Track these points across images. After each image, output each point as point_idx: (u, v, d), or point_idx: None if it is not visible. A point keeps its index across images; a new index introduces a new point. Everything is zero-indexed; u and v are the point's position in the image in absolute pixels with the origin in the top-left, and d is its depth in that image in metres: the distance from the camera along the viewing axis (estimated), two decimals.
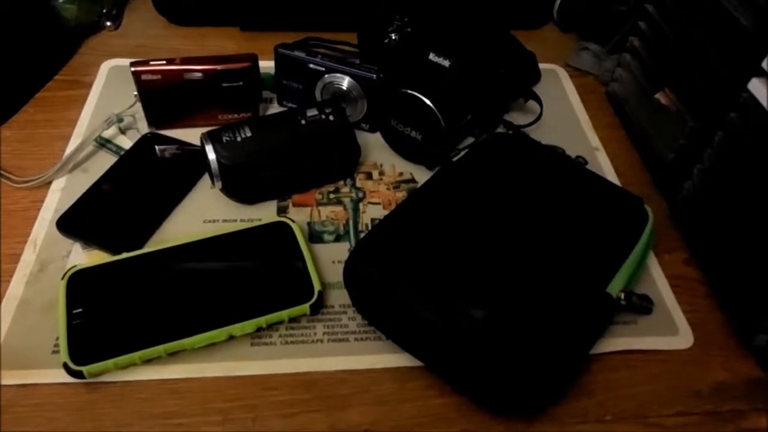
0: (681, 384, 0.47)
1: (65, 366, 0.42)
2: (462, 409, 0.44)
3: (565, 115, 0.68)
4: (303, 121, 0.54)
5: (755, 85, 0.47)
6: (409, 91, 0.55)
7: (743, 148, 0.48)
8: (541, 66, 0.70)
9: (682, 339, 0.49)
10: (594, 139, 0.66)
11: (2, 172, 0.55)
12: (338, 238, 0.53)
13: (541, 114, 0.63)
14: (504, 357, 0.40)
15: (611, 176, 0.62)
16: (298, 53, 0.60)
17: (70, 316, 0.44)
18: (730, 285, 0.51)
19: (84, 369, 0.42)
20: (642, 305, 0.48)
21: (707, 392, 0.46)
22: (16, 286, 0.48)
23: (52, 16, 0.69)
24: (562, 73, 0.74)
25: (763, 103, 0.45)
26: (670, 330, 0.49)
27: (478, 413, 0.43)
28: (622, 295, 0.46)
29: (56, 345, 0.44)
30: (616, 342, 0.48)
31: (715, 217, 0.52)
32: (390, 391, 0.44)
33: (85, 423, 0.41)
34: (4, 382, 0.42)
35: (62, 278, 0.46)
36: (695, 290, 0.53)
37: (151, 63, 0.57)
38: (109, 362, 0.42)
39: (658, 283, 0.53)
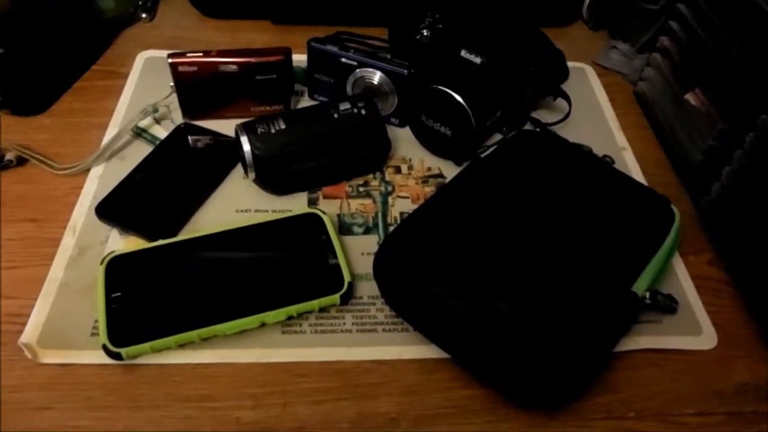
0: (704, 384, 0.47)
1: (104, 347, 0.43)
2: (486, 401, 0.44)
3: (593, 114, 0.69)
4: (336, 115, 0.55)
5: None
6: (440, 87, 0.56)
7: None
8: (570, 64, 0.70)
9: (706, 339, 0.49)
10: (621, 139, 0.66)
11: (43, 159, 0.57)
12: (367, 231, 0.54)
13: (569, 112, 0.64)
14: (529, 351, 0.41)
15: (638, 176, 0.62)
16: (330, 47, 0.61)
17: (108, 300, 0.45)
18: (755, 286, 0.51)
19: (122, 351, 0.43)
20: (667, 305, 0.48)
21: (730, 393, 0.47)
22: (56, 270, 0.49)
23: (89, 8, 0.71)
24: (591, 72, 0.74)
25: None
26: (694, 330, 0.50)
27: (502, 406, 0.44)
28: (647, 294, 0.46)
29: (95, 327, 0.46)
30: (640, 340, 0.48)
31: (742, 219, 0.52)
32: (416, 382, 0.45)
33: (122, 403, 0.43)
34: (45, 361, 0.44)
35: (101, 263, 0.47)
36: (720, 291, 0.53)
37: (188, 55, 0.58)
38: (146, 345, 0.44)
39: (683, 283, 0.53)
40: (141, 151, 0.59)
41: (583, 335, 0.43)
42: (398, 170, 0.60)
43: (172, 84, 0.60)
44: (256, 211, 0.55)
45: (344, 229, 0.54)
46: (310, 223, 0.51)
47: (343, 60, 0.60)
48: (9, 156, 0.57)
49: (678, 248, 0.53)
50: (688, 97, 0.60)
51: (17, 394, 0.43)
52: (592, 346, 0.44)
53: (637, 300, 0.46)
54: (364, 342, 0.47)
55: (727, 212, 0.54)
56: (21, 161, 0.57)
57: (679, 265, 0.54)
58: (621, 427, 0.44)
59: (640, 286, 0.46)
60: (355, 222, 0.55)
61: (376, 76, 0.60)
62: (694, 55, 0.60)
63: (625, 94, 0.72)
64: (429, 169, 0.60)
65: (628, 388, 0.46)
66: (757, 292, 0.51)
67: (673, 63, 0.64)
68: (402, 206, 0.56)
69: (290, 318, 0.47)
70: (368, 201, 0.57)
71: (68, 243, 0.51)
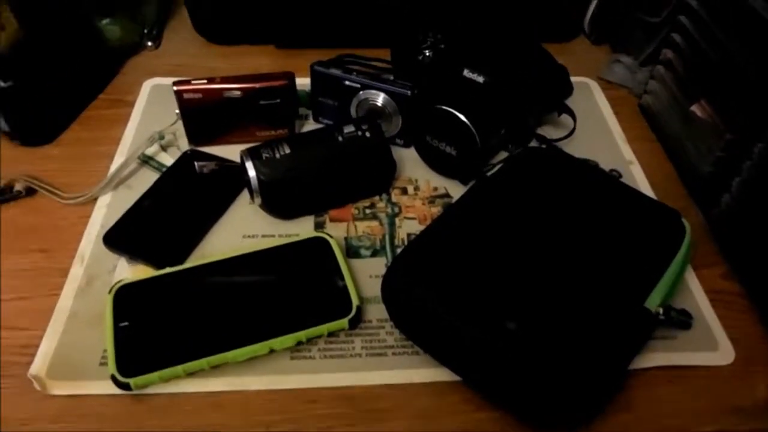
0: (723, 401, 0.46)
1: (113, 378, 0.43)
2: (500, 423, 0.44)
3: (599, 129, 0.68)
4: (340, 138, 0.55)
5: None
6: (444, 107, 0.56)
7: None
8: (573, 79, 0.70)
9: (723, 354, 0.48)
10: (628, 152, 0.66)
11: (51, 189, 0.57)
12: (375, 253, 0.54)
13: (574, 128, 0.63)
14: (541, 371, 0.40)
15: (646, 189, 0.61)
16: (333, 71, 0.61)
17: (117, 330, 0.45)
18: None
19: (131, 381, 0.43)
20: (681, 320, 0.48)
21: (750, 410, 0.46)
22: (65, 300, 0.50)
23: (96, 38, 0.72)
24: (595, 86, 0.74)
25: None
26: (710, 345, 0.49)
27: (516, 427, 0.43)
28: (661, 310, 0.46)
29: (104, 357, 0.45)
30: (655, 357, 0.47)
31: (754, 230, 0.52)
32: (428, 406, 0.45)
33: None
34: (55, 392, 0.44)
35: (109, 292, 0.48)
36: (735, 304, 0.52)
37: (193, 82, 0.59)
38: (155, 375, 0.43)
39: (697, 297, 0.52)
40: (148, 178, 0.59)
41: (597, 353, 0.42)
42: (404, 191, 0.60)
43: (177, 111, 0.60)
44: (263, 236, 0.55)
45: (351, 252, 0.54)
46: (317, 246, 0.51)
47: (347, 83, 0.61)
48: (18, 187, 0.57)
49: (690, 262, 0.53)
50: (694, 108, 0.60)
51: (27, 427, 0.42)
52: (605, 365, 0.43)
53: (650, 316, 0.45)
54: (374, 366, 0.46)
55: (739, 224, 0.54)
56: (30, 191, 0.58)
57: (692, 280, 0.53)
58: None
59: (653, 302, 0.45)
60: (363, 245, 0.55)
61: (380, 98, 0.60)
62: (698, 66, 0.60)
63: (630, 107, 0.72)
64: (435, 189, 0.60)
65: (645, 406, 0.45)
66: None
67: (677, 75, 0.64)
68: (409, 227, 0.56)
69: (299, 343, 0.46)
70: (375, 223, 0.56)
71: (77, 272, 0.52)
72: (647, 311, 0.45)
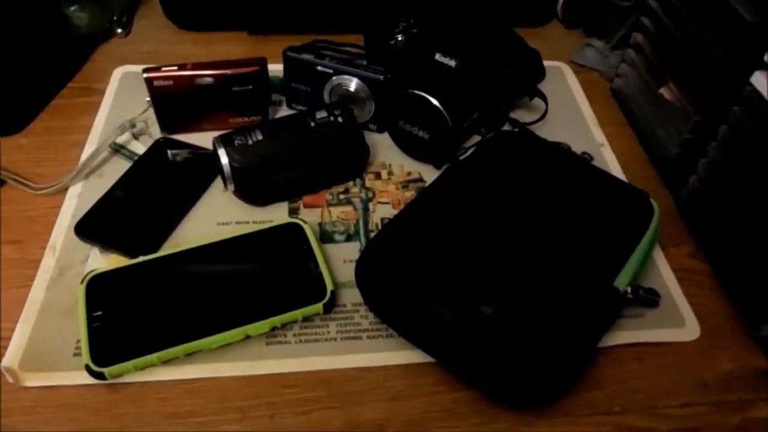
0: (688, 375, 0.47)
1: (87, 368, 0.43)
2: (474, 403, 0.45)
3: (571, 112, 0.69)
4: (312, 124, 0.55)
5: (758, 79, 0.47)
6: (416, 92, 0.56)
7: (747, 142, 0.49)
8: (546, 63, 0.71)
9: (689, 331, 0.50)
10: (599, 135, 0.66)
11: (21, 180, 0.57)
12: (349, 238, 0.54)
13: (546, 111, 0.64)
14: (513, 351, 0.41)
15: (617, 172, 0.62)
16: (306, 56, 0.61)
17: (90, 319, 0.45)
18: (736, 276, 0.52)
19: (105, 370, 0.43)
20: (649, 298, 0.49)
21: (714, 383, 0.47)
22: (37, 291, 0.49)
23: (64, 24, 0.70)
24: (567, 70, 0.75)
25: (766, 96, 0.46)
26: (676, 322, 0.50)
27: (489, 407, 0.44)
28: (629, 289, 0.46)
29: (77, 347, 0.45)
30: (623, 335, 0.49)
31: (720, 210, 0.53)
32: (403, 387, 0.45)
33: (108, 423, 0.43)
34: (28, 384, 0.44)
35: (81, 282, 0.47)
36: (701, 283, 0.54)
37: (163, 69, 0.58)
38: (129, 363, 0.43)
39: (665, 276, 0.53)
40: (119, 167, 0.58)
41: (567, 332, 0.43)
42: (378, 176, 0.60)
43: (148, 99, 0.59)
44: (237, 223, 0.55)
45: (326, 237, 0.54)
46: (292, 232, 0.51)
47: (319, 68, 0.61)
48: None
49: (658, 242, 0.54)
50: (663, 91, 0.61)
51: (3, 420, 0.42)
52: (575, 343, 0.44)
53: (618, 295, 0.46)
54: (349, 350, 0.47)
55: (705, 204, 0.55)
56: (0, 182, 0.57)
57: (660, 259, 0.55)
58: (608, 422, 0.45)
59: (622, 281, 0.46)
60: (337, 230, 0.55)
61: (353, 83, 0.60)
62: (667, 49, 0.61)
63: (602, 91, 0.73)
64: (409, 173, 0.60)
65: (613, 382, 0.47)
66: (738, 283, 0.51)
67: (646, 58, 0.65)
68: (383, 212, 0.57)
69: (274, 329, 0.47)
70: (349, 208, 0.57)
71: (48, 263, 0.51)
72: (616, 290, 0.46)
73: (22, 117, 0.64)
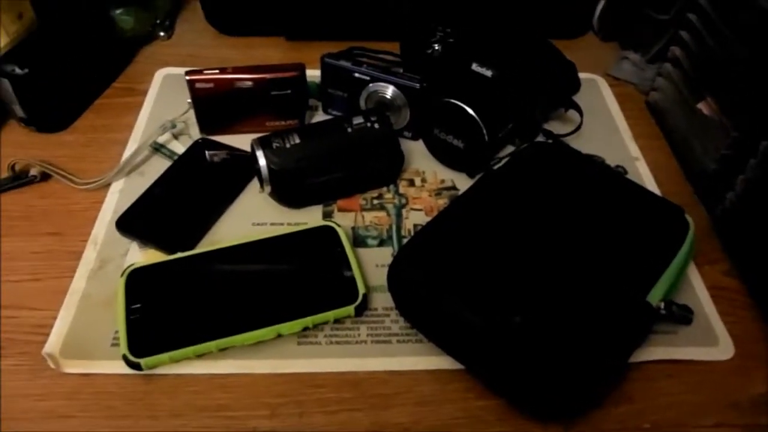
0: (721, 395, 0.47)
1: (124, 358, 0.44)
2: (501, 412, 0.45)
3: (605, 125, 0.69)
4: (349, 129, 0.55)
5: None
6: (452, 101, 0.57)
7: None
8: (581, 75, 0.71)
9: (723, 350, 0.49)
10: (634, 149, 0.66)
11: (65, 174, 0.58)
12: (381, 243, 0.55)
13: (581, 123, 0.64)
14: (543, 361, 0.41)
15: (651, 186, 0.62)
16: (343, 63, 0.62)
17: (128, 311, 0.46)
18: None
19: (142, 361, 0.44)
20: (682, 315, 0.48)
21: (748, 405, 0.46)
22: (78, 282, 0.51)
23: (110, 28, 0.73)
24: (602, 83, 0.75)
25: None
26: (710, 341, 0.50)
27: (517, 416, 0.44)
28: (662, 305, 0.46)
29: (115, 338, 0.47)
30: (655, 351, 0.48)
31: (757, 228, 0.52)
32: (431, 393, 0.45)
33: (141, 412, 0.44)
34: (68, 370, 0.45)
35: (121, 275, 0.49)
36: (736, 301, 0.53)
37: (205, 72, 0.60)
38: (165, 356, 0.44)
39: (699, 293, 0.53)
40: (160, 166, 0.60)
41: (598, 345, 0.43)
42: (412, 183, 0.60)
43: (189, 100, 0.61)
44: (272, 224, 0.56)
45: (359, 241, 0.55)
46: (325, 235, 0.52)
47: (356, 75, 0.61)
48: (33, 172, 0.58)
49: (693, 258, 0.53)
50: (701, 106, 0.60)
51: (42, 403, 0.44)
52: (606, 357, 0.43)
53: (651, 310, 0.45)
54: (378, 353, 0.47)
55: (742, 221, 0.54)
56: (44, 177, 0.59)
57: (694, 276, 0.54)
58: None
59: (655, 297, 0.46)
60: (370, 234, 0.55)
61: (389, 91, 0.61)
62: (705, 64, 0.60)
63: (637, 104, 0.72)
64: (442, 181, 0.61)
65: (644, 398, 0.46)
66: None
67: (684, 73, 0.64)
68: (416, 218, 0.57)
69: (306, 329, 0.47)
70: (382, 213, 0.57)
71: (89, 256, 0.53)
72: (649, 305, 0.45)
73: (67, 115, 0.66)
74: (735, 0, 0.56)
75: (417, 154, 0.63)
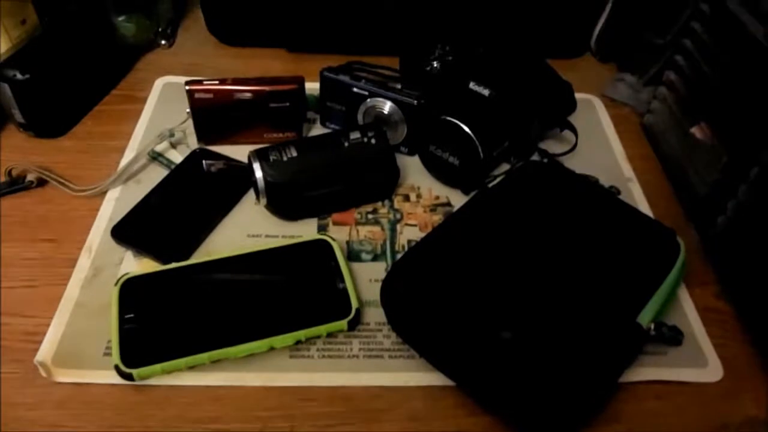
0: (709, 417, 0.47)
1: (117, 368, 0.44)
2: (491, 428, 0.45)
3: (600, 145, 0.70)
4: (346, 144, 0.56)
5: None
6: (449, 118, 0.57)
7: None
8: (578, 96, 0.71)
9: (712, 372, 0.49)
10: (628, 170, 0.67)
11: (62, 181, 0.59)
12: (375, 258, 0.55)
13: (576, 143, 0.65)
14: (533, 380, 0.42)
15: (644, 207, 0.62)
16: (342, 77, 0.62)
17: (122, 321, 0.47)
18: (761, 319, 0.51)
19: (134, 372, 0.44)
20: (672, 336, 0.49)
21: (736, 426, 0.47)
22: (72, 289, 0.51)
23: (111, 34, 0.73)
24: (598, 103, 0.76)
25: None
26: (699, 362, 0.50)
27: None
28: (652, 326, 0.46)
29: (108, 347, 0.47)
30: (645, 372, 0.48)
31: (748, 252, 0.53)
32: (422, 408, 0.46)
33: (132, 423, 0.44)
34: (60, 379, 0.45)
35: (115, 284, 0.49)
36: (726, 324, 0.53)
37: (205, 82, 0.60)
38: (157, 367, 0.44)
39: (689, 315, 0.53)
40: (157, 174, 0.60)
41: (587, 365, 0.43)
42: (407, 198, 0.61)
43: (188, 110, 0.61)
44: (267, 236, 0.56)
45: (353, 255, 0.55)
46: (320, 249, 0.52)
47: (355, 89, 0.62)
48: (30, 177, 0.58)
49: (684, 280, 0.54)
50: (694, 130, 0.61)
51: (33, 412, 0.44)
52: (596, 377, 0.44)
53: (641, 331, 0.46)
54: (370, 368, 0.47)
55: (733, 245, 0.55)
56: (41, 182, 0.59)
57: (684, 298, 0.54)
58: None
59: (645, 318, 0.46)
60: (364, 249, 0.56)
61: (387, 106, 0.62)
62: (699, 89, 0.61)
63: (632, 125, 0.73)
64: (437, 197, 0.61)
65: (632, 419, 0.46)
66: (763, 325, 0.51)
67: (678, 97, 0.65)
68: (410, 234, 0.57)
69: (298, 342, 0.47)
70: (377, 228, 0.58)
71: (84, 264, 0.53)
72: (639, 326, 0.46)
73: (66, 121, 0.66)
74: (729, 27, 0.57)
75: (413, 169, 0.64)
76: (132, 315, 0.47)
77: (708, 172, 0.59)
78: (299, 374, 0.47)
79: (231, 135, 0.64)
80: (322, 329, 0.47)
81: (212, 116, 0.62)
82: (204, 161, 0.62)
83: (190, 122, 0.62)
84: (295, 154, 0.55)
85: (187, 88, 0.60)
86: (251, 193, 0.58)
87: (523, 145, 0.64)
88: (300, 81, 0.62)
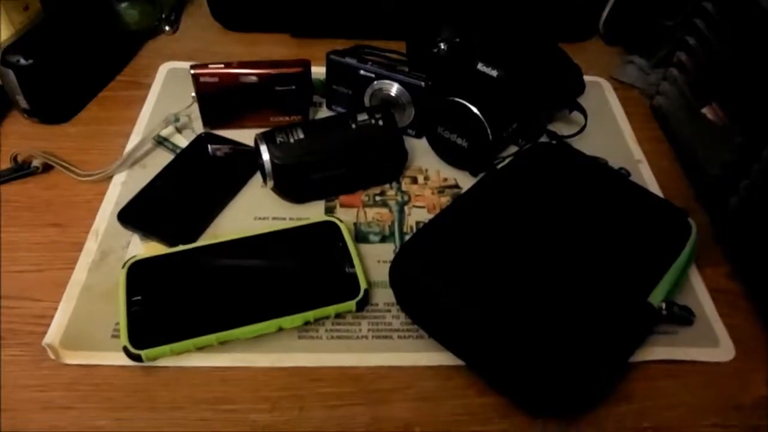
0: (722, 396, 0.47)
1: (125, 349, 0.44)
2: (501, 409, 0.45)
3: (609, 127, 0.69)
4: (353, 125, 0.55)
5: None
6: (457, 99, 0.57)
7: None
8: (586, 78, 0.71)
9: (724, 351, 0.49)
10: (637, 152, 0.66)
11: (68, 166, 0.58)
12: (383, 239, 0.55)
13: (585, 125, 0.64)
14: (544, 359, 0.41)
15: (654, 188, 0.62)
16: (349, 60, 0.62)
17: (129, 303, 0.46)
18: None
19: (142, 353, 0.44)
20: (683, 316, 0.48)
21: (749, 406, 0.46)
22: (79, 273, 0.51)
23: (115, 20, 0.73)
24: (607, 86, 0.75)
25: None
26: (710, 342, 0.50)
27: (517, 414, 0.44)
28: (664, 305, 0.46)
29: (116, 330, 0.47)
30: (656, 351, 0.48)
31: (759, 232, 0.52)
32: (431, 389, 0.45)
33: (141, 404, 0.44)
34: (68, 361, 0.45)
35: (123, 267, 0.48)
36: (737, 304, 0.53)
37: (210, 66, 0.60)
38: (166, 348, 0.44)
39: (700, 295, 0.53)
40: (162, 159, 0.60)
41: (599, 344, 0.43)
42: (415, 180, 0.60)
43: (193, 94, 0.61)
44: (274, 218, 0.56)
45: (361, 237, 0.55)
46: (327, 230, 0.52)
47: (362, 72, 0.62)
48: (35, 162, 0.58)
49: (695, 261, 0.53)
50: (705, 111, 0.60)
51: (42, 394, 0.44)
52: (607, 356, 0.44)
53: (653, 311, 0.46)
54: (379, 348, 0.47)
55: (744, 225, 0.54)
56: (47, 168, 0.59)
57: (696, 278, 0.54)
58: None
59: (657, 297, 0.46)
60: (372, 230, 0.55)
61: (394, 88, 0.61)
62: (711, 69, 0.60)
63: (642, 108, 0.72)
64: (445, 179, 0.61)
65: (644, 398, 0.46)
66: None
67: (689, 77, 0.64)
68: (418, 216, 0.57)
69: (307, 323, 0.47)
70: (385, 210, 0.57)
71: (91, 247, 0.53)
72: (650, 306, 0.45)
73: (71, 107, 0.66)
74: (741, 5, 0.56)
75: (420, 151, 0.63)
76: (139, 297, 0.47)
77: (720, 152, 0.58)
78: (308, 355, 0.46)
79: (236, 119, 0.63)
80: (331, 310, 0.47)
81: (217, 100, 0.62)
82: (209, 145, 0.62)
83: (196, 107, 0.62)
84: (302, 136, 0.54)
85: (193, 72, 0.60)
86: (258, 176, 0.58)
87: (532, 127, 0.63)
88: (306, 64, 0.62)
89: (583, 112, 0.64)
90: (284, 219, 0.56)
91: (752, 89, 0.54)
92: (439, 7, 0.71)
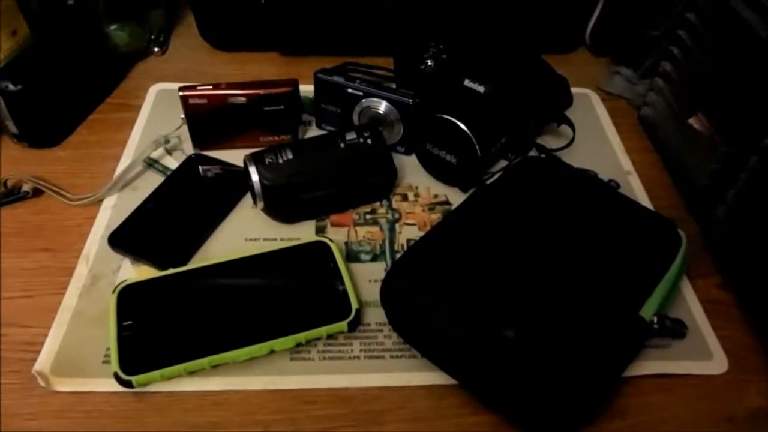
0: (716, 409, 0.47)
1: (116, 375, 0.44)
2: (495, 427, 0.44)
3: (598, 139, 0.69)
4: (342, 145, 0.56)
5: None
6: (445, 116, 0.57)
7: None
8: (574, 90, 0.71)
9: (717, 364, 0.49)
10: (626, 163, 0.66)
11: (58, 190, 0.58)
12: (375, 258, 0.55)
13: (573, 138, 0.64)
14: (536, 376, 0.41)
15: (644, 200, 0.62)
16: (337, 78, 0.62)
17: (120, 328, 0.46)
18: (764, 310, 0.51)
19: (133, 379, 0.44)
20: (675, 329, 0.48)
21: (743, 418, 0.46)
22: (70, 298, 0.50)
23: (104, 43, 0.73)
24: (595, 97, 0.75)
25: None
26: (704, 354, 0.49)
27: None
28: (655, 319, 0.46)
29: (107, 355, 0.46)
30: (649, 365, 0.48)
31: (749, 242, 0.52)
32: (425, 408, 0.45)
33: (133, 430, 0.43)
34: (59, 389, 0.45)
35: (113, 292, 0.48)
36: (729, 315, 0.53)
37: (198, 88, 0.60)
38: (156, 373, 0.44)
39: (692, 307, 0.53)
40: (153, 181, 0.60)
41: (591, 360, 0.43)
42: (405, 198, 0.61)
43: (183, 116, 0.61)
44: (265, 239, 0.56)
45: (352, 256, 0.55)
46: (318, 250, 0.52)
47: (350, 90, 0.62)
48: (25, 187, 0.58)
49: (686, 272, 0.53)
50: (692, 121, 0.61)
51: (32, 422, 0.43)
52: (600, 372, 0.43)
53: (645, 325, 0.46)
54: (372, 368, 0.47)
55: (734, 235, 0.54)
56: (37, 192, 0.59)
57: (687, 290, 0.54)
58: None
59: (648, 311, 0.46)
60: (363, 249, 0.55)
61: (382, 106, 0.61)
62: (695, 80, 0.61)
63: (630, 118, 0.73)
64: (435, 196, 0.61)
65: (638, 413, 0.46)
66: (766, 315, 0.51)
67: (674, 88, 0.65)
68: (409, 233, 0.57)
69: (299, 345, 0.47)
70: (375, 228, 0.57)
71: (81, 272, 0.52)
72: (642, 320, 0.45)
73: (60, 130, 0.66)
74: (723, 16, 0.56)
75: (410, 168, 0.63)
76: (130, 322, 0.47)
77: (707, 162, 0.58)
78: (300, 377, 0.46)
79: (226, 139, 0.63)
80: (323, 331, 0.47)
81: (207, 121, 0.62)
82: (200, 166, 0.62)
83: (185, 128, 0.62)
84: (291, 156, 0.54)
85: (181, 93, 0.60)
86: (248, 197, 0.58)
87: (521, 141, 0.64)
88: (294, 83, 0.62)
89: (571, 124, 0.64)
90: (275, 239, 0.56)
91: (736, 99, 0.55)
92: (425, 24, 0.72)
